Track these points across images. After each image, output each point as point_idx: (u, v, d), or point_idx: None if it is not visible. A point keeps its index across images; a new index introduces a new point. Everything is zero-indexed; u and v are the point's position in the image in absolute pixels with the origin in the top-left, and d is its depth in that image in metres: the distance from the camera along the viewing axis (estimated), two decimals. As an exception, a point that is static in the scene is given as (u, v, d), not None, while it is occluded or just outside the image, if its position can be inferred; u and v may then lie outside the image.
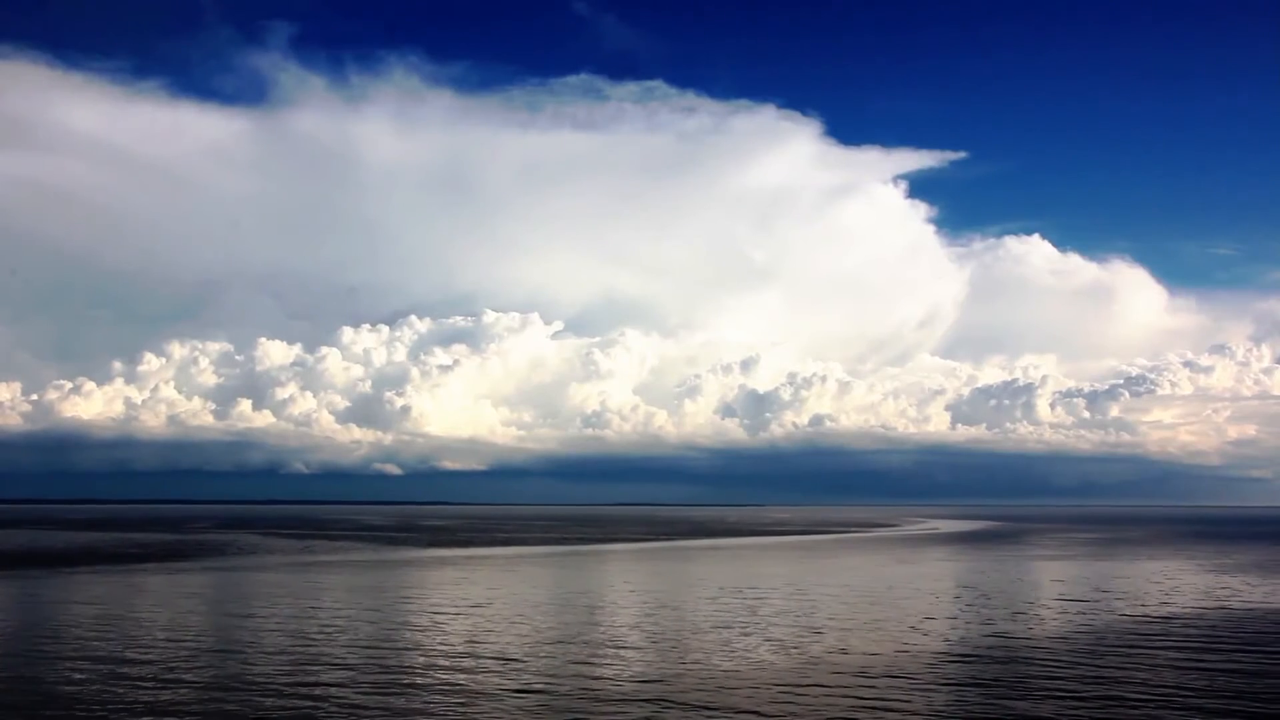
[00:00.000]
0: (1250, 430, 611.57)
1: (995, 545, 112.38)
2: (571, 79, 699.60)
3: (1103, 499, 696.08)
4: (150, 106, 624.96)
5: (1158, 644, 36.06)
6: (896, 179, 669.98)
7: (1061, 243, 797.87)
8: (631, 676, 29.65)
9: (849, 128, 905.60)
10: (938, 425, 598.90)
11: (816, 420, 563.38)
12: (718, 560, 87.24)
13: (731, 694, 27.22)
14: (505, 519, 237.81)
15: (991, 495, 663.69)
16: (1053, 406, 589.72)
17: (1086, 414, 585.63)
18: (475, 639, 36.86)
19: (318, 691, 27.36)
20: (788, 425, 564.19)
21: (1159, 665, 31.86)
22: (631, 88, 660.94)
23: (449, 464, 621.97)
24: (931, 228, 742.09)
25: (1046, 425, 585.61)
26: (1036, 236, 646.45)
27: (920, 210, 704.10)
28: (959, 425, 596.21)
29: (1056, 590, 56.35)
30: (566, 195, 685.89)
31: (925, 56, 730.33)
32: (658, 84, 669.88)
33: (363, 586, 58.62)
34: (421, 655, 33.34)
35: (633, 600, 50.39)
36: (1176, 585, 59.87)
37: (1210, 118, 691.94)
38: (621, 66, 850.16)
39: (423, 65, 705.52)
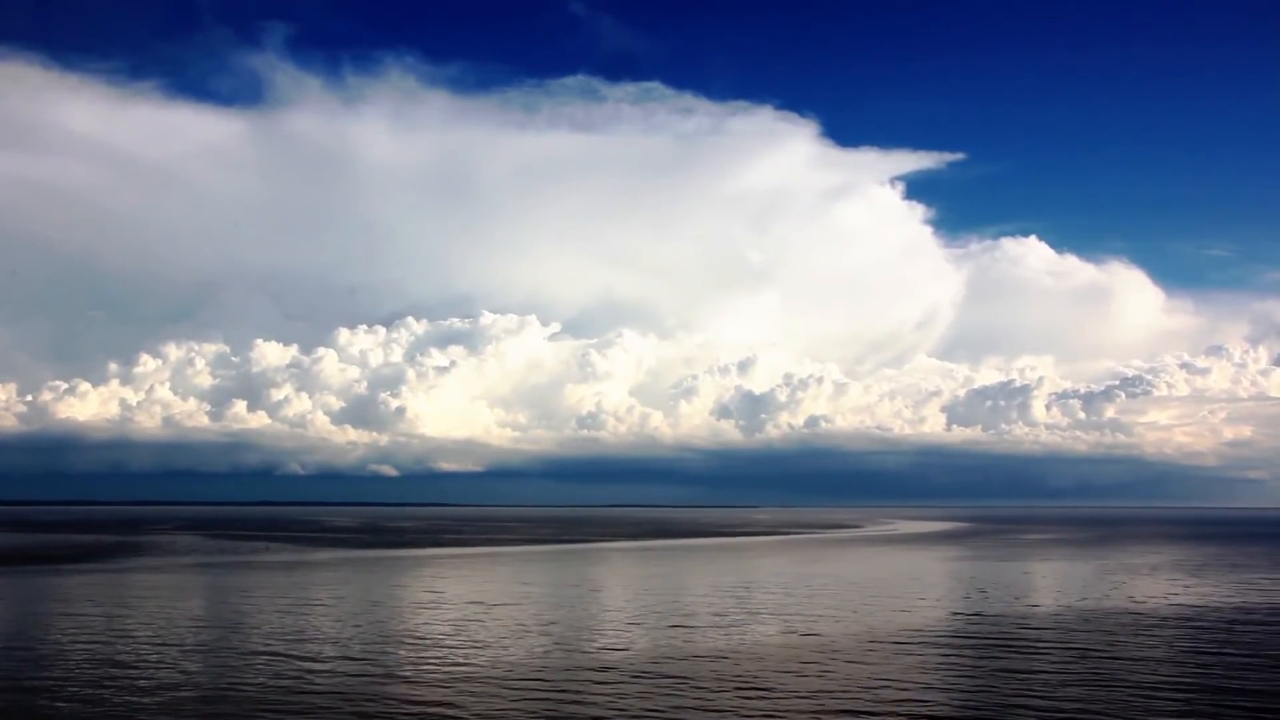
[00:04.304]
0: (1246, 431, 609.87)
1: (929, 546, 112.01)
2: (568, 80, 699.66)
3: (1099, 500, 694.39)
4: (146, 107, 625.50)
5: (937, 645, 36.06)
6: (894, 180, 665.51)
7: (1058, 244, 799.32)
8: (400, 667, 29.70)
9: (846, 129, 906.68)
10: (933, 426, 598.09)
11: (812, 421, 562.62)
12: (630, 562, 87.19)
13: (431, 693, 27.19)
14: (483, 520, 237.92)
15: (987, 496, 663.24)
16: (1049, 408, 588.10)
17: (1083, 415, 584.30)
18: (293, 638, 36.84)
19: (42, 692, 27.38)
20: (783, 426, 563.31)
21: (915, 665, 31.80)
22: (628, 89, 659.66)
23: (445, 465, 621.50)
24: (929, 229, 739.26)
25: (1043, 426, 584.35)
26: (1033, 238, 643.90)
27: (917, 211, 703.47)
28: (955, 426, 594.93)
29: (919, 590, 56.15)
30: (563, 196, 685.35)
31: (922, 58, 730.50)
32: (655, 85, 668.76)
33: (232, 587, 58.59)
34: (209, 655, 33.34)
35: (464, 600, 50.30)
36: (1056, 585, 59.71)
37: (1207, 118, 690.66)
38: (618, 67, 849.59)
39: (419, 66, 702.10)
